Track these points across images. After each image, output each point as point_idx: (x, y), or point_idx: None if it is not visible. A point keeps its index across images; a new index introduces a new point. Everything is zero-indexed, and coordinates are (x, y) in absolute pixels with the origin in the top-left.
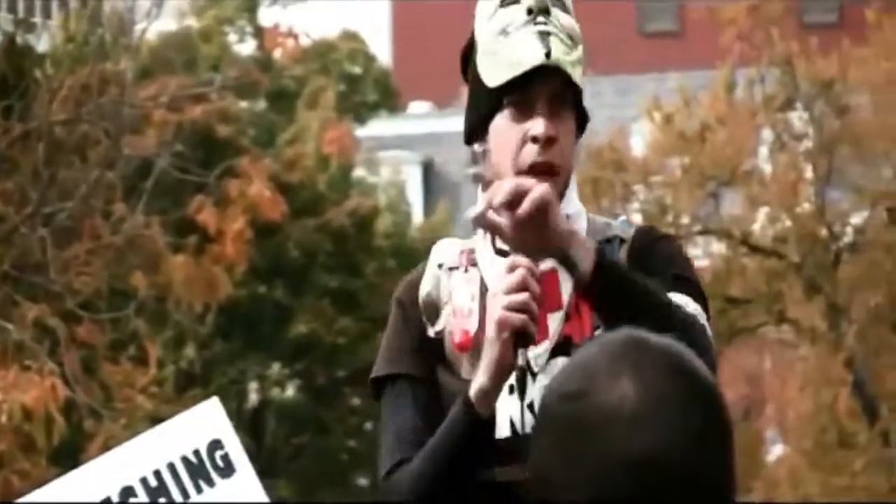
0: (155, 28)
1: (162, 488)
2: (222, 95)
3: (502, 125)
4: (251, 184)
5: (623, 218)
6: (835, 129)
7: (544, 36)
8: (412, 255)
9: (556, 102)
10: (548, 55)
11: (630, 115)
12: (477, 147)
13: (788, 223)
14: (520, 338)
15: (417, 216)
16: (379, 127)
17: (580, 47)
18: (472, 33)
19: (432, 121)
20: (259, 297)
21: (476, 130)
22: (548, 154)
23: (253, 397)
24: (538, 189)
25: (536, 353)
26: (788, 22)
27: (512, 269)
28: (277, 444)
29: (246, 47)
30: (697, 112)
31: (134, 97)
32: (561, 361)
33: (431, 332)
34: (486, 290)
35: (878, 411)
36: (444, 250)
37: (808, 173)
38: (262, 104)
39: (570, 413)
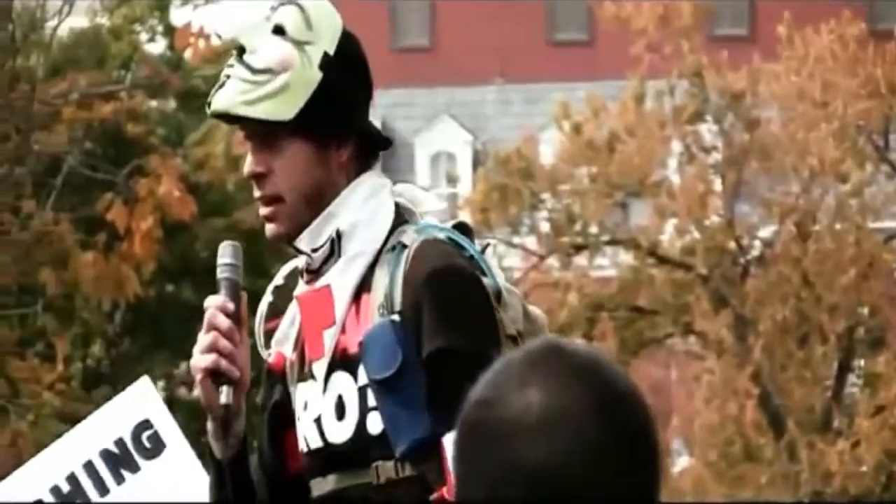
0: (66, 25)
1: (77, 492)
2: (132, 94)
3: None
4: (160, 183)
5: (426, 223)
6: (744, 143)
7: (222, 84)
8: None
9: (263, 136)
10: (209, 104)
11: (539, 124)
12: None
13: (696, 235)
14: (217, 377)
15: None
16: None
17: (286, 74)
18: None
19: None
20: (167, 297)
21: None
22: (262, 187)
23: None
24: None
25: (316, 369)
26: (699, 34)
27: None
28: None
29: (157, 46)
30: (606, 122)
31: (44, 94)
32: (340, 376)
33: (264, 354)
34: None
35: (785, 425)
36: (282, 271)
37: (717, 186)
38: (171, 104)
39: (479, 420)
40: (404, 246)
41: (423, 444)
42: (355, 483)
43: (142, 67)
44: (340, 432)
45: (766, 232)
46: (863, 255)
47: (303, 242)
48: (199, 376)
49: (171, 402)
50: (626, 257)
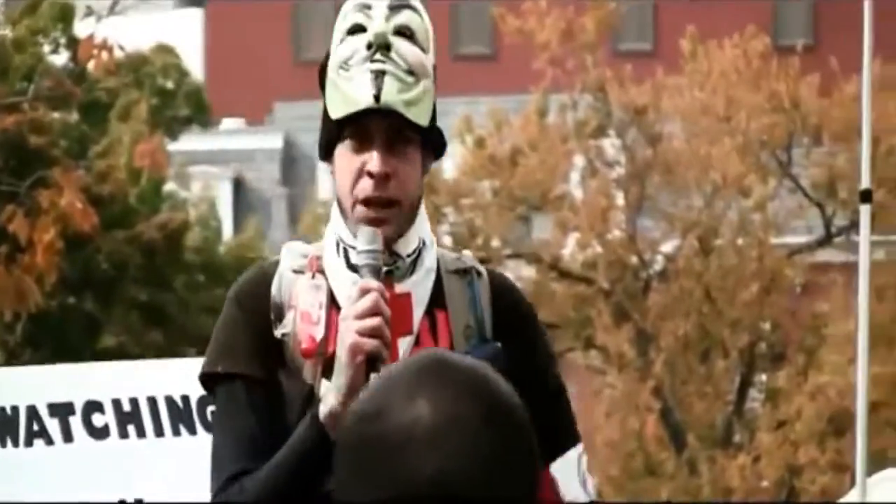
0: None
1: (134, 416)
2: (35, 106)
3: (343, 154)
4: (63, 195)
5: (467, 252)
6: (647, 157)
7: (378, 76)
8: (221, 271)
9: (394, 138)
10: (377, 98)
11: None
12: (328, 166)
13: (599, 249)
14: (371, 362)
15: (227, 232)
16: (191, 142)
17: (425, 81)
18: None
19: (244, 137)
20: (68, 308)
21: (324, 151)
22: (383, 189)
23: None
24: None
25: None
26: (602, 49)
27: (364, 292)
28: None
29: (60, 58)
30: (509, 136)
31: None
32: None
33: (278, 333)
34: (335, 299)
35: (685, 439)
36: (293, 253)
37: (620, 200)
38: (74, 116)
39: (366, 434)
40: (479, 273)
41: None
42: None
43: (45, 79)
44: None
45: (668, 246)
46: (765, 271)
47: (400, 246)
48: (358, 358)
49: None
50: (529, 271)
